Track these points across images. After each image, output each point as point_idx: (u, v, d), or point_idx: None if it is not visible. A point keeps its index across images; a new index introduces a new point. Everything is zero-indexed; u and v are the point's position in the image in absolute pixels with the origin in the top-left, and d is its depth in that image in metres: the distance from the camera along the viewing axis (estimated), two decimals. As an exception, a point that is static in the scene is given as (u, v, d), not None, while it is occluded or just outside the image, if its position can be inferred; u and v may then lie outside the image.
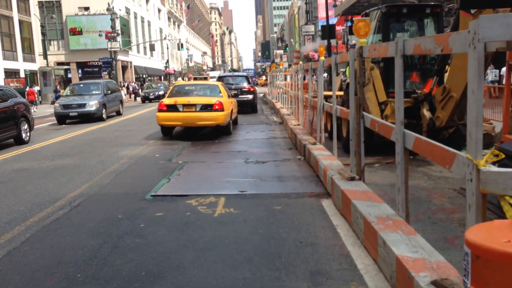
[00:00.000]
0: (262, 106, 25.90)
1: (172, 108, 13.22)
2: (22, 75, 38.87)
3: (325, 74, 19.18)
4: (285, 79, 20.96)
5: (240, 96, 19.82)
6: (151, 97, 37.64)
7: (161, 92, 37.11)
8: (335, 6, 39.68)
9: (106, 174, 8.55)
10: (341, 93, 13.63)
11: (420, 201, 6.09)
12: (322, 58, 9.44)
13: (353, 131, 6.04)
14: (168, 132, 13.88)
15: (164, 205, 6.28)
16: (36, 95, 32.73)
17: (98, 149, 11.82)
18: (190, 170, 8.63)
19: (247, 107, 21.06)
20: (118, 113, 23.28)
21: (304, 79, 26.28)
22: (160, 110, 13.37)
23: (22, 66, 40.77)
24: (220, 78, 23.11)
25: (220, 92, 14.26)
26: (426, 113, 8.63)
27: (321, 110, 9.32)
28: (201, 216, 5.75)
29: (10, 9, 40.30)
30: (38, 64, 44.31)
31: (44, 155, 11.13)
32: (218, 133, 13.65)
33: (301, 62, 13.92)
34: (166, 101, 13.52)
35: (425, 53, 3.78)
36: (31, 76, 39.14)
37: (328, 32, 30.13)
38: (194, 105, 13.17)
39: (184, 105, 13.18)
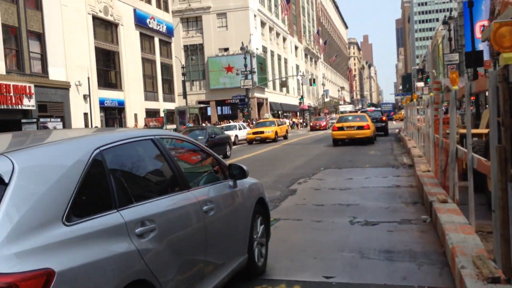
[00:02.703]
0: (394, 144, 23.08)
1: (341, 128, 23.99)
2: (161, 114, 41.03)
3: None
4: (418, 113, 18.23)
5: (376, 123, 28.52)
6: None
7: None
8: (484, 31, 35.34)
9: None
10: (486, 130, 10.87)
11: None
12: (456, 87, 7.11)
13: (495, 200, 3.78)
14: (337, 143, 23.90)
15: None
16: None
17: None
18: (274, 234, 6.85)
19: (380, 131, 29.30)
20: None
21: (447, 112, 23.00)
22: (333, 130, 24.32)
23: (162, 105, 43.16)
24: (363, 111, 36.28)
25: (366, 119, 24.59)
26: None
27: (454, 156, 6.95)
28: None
29: (153, 53, 43.23)
30: (177, 103, 46.70)
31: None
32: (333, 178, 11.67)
33: (431, 94, 11.47)
34: (337, 125, 24.40)
35: None
36: (169, 115, 41.10)
37: (474, 58, 26.34)
38: (353, 126, 23.77)
39: (347, 127, 23.92)
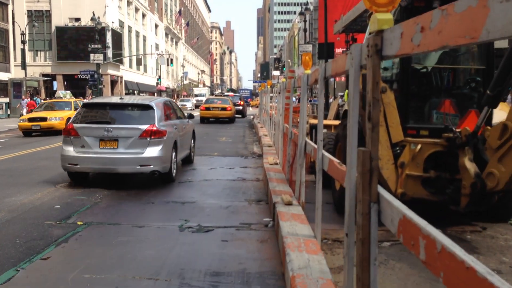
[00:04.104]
0: (246, 131, 22.43)
1: (207, 109, 28.27)
2: (-9, 85, 35.56)
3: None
4: (271, 100, 17.68)
5: (236, 107, 32.37)
6: None
7: None
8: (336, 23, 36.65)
9: None
10: (336, 122, 10.36)
11: None
12: (308, 71, 6.11)
13: (350, 226, 2.67)
14: (203, 121, 27.97)
15: None
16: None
17: (-12, 189, 8.42)
18: (76, 247, 5.17)
19: (238, 114, 33.59)
20: None
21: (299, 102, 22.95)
22: (201, 110, 28.62)
23: (-7, 75, 37.46)
24: (225, 95, 40.52)
25: (229, 102, 29.33)
26: (470, 165, 5.28)
27: (303, 151, 5.96)
28: None
29: (-16, 14, 37.23)
30: (13, 74, 41.04)
31: None
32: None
33: (284, 80, 10.74)
34: (204, 105, 28.90)
35: None
36: (2, 87, 35.77)
37: (326, 50, 26.95)
38: (218, 107, 28.25)
39: (213, 107, 28.33)
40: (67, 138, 8.66)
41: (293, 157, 7.68)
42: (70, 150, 8.55)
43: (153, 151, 8.45)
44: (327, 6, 29.07)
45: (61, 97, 29.59)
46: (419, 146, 5.71)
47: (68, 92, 34.68)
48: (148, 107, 8.94)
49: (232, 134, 20.22)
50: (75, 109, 21.30)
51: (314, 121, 11.02)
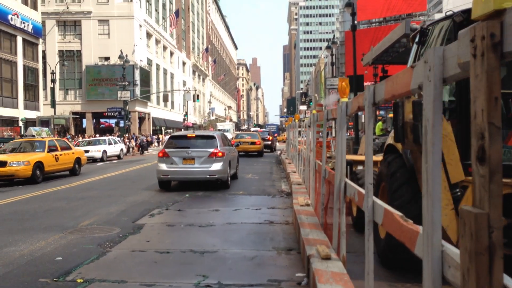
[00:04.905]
0: (274, 167, 21.42)
1: (238, 143, 28.47)
2: (20, 123, 35.80)
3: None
4: (299, 135, 16.74)
5: (264, 141, 33.81)
6: None
7: None
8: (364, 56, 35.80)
9: None
10: (378, 158, 9.30)
11: None
12: (345, 99, 5.19)
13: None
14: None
15: None
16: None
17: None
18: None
19: (267, 148, 35.23)
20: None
21: (327, 136, 21.87)
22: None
23: (22, 113, 37.83)
24: (255, 131, 41.04)
25: (258, 137, 31.06)
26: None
27: (343, 193, 4.95)
28: None
29: (15, 54, 37.87)
30: (42, 112, 41.44)
31: None
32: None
33: (314, 111, 9.86)
34: (235, 140, 29.43)
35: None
36: (31, 125, 35.94)
37: (355, 83, 26.04)
38: (248, 142, 29.98)
39: (243, 142, 29.75)
40: (161, 158, 12.99)
41: (327, 199, 6.67)
42: (163, 166, 12.91)
43: (217, 166, 12.78)
44: (355, 39, 28.31)
45: (33, 135, 24.25)
46: (484, 187, 4.64)
47: (45, 129, 28.99)
48: (212, 137, 13.44)
49: (259, 171, 19.27)
50: (50, 150, 17.27)
51: (348, 157, 10.01)
